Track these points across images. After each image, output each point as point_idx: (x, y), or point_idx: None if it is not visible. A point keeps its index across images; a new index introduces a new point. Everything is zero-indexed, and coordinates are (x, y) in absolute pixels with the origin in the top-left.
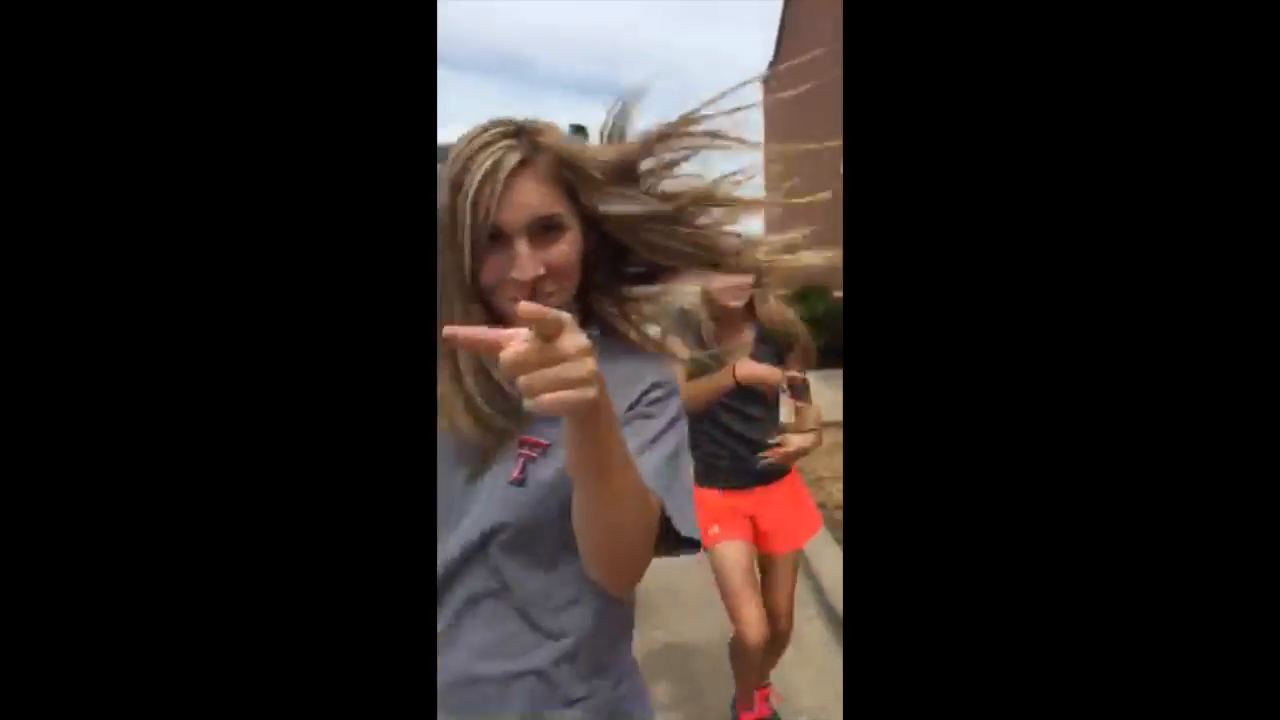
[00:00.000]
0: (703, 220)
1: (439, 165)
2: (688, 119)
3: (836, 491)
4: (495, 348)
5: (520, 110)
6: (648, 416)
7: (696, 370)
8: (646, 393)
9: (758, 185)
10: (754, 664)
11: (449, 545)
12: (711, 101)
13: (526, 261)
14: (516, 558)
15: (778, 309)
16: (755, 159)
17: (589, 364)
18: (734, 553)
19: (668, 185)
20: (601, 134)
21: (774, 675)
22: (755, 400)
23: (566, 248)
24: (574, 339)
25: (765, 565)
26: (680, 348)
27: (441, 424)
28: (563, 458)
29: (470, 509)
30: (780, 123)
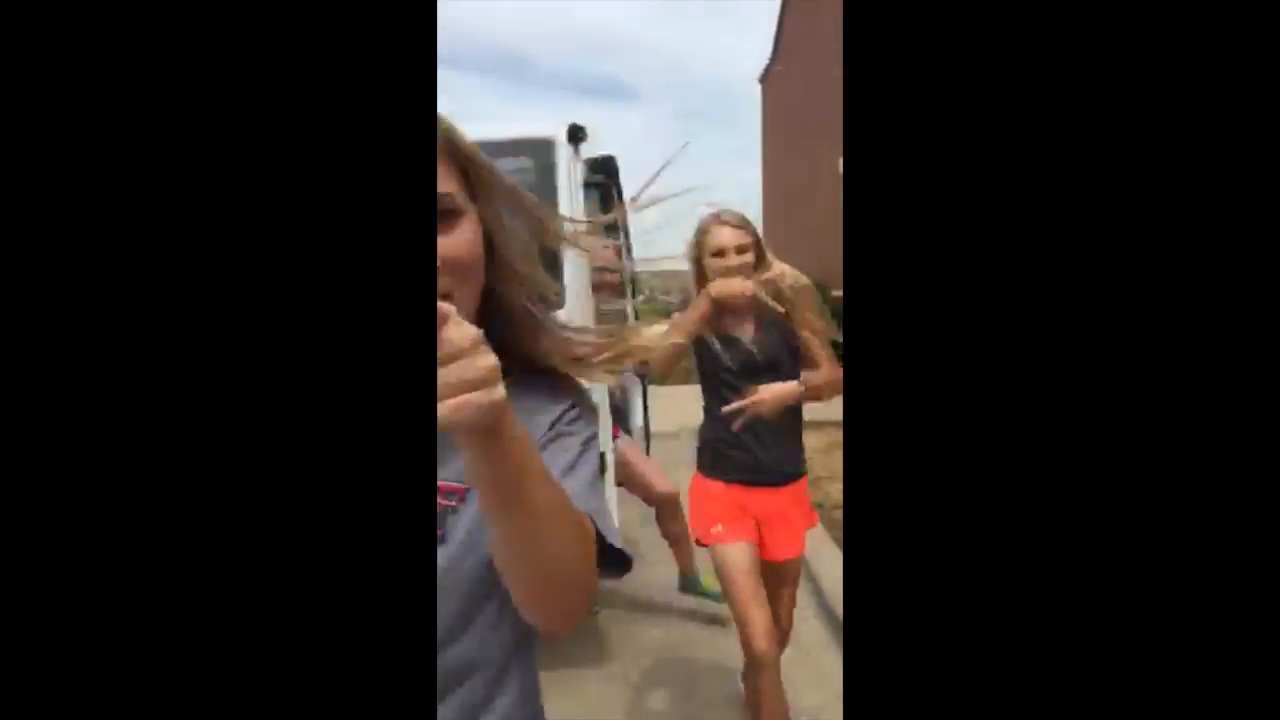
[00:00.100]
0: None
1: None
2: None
3: (835, 491)
4: None
5: (519, 110)
6: (568, 435)
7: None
8: (567, 410)
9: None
10: (772, 683)
11: None
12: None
13: None
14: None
15: (776, 273)
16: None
17: (487, 359)
18: (739, 556)
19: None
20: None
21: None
22: (770, 383)
23: (461, 238)
24: (460, 331)
25: (766, 573)
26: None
27: None
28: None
29: None
30: (778, 121)
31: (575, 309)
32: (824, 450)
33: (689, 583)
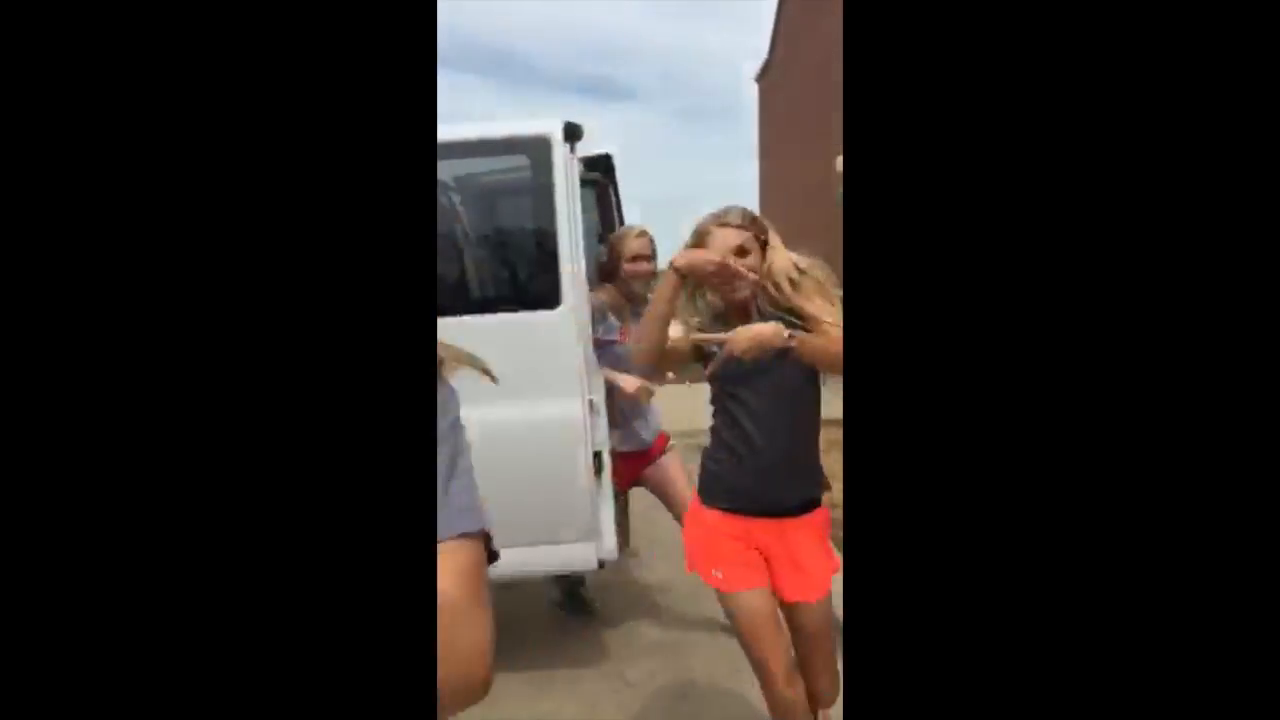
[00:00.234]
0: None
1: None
2: None
3: (834, 491)
4: None
5: (515, 108)
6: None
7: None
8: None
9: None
10: None
11: None
12: None
13: None
14: None
15: (780, 261)
16: None
17: None
18: (745, 604)
19: None
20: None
21: None
22: (770, 390)
23: None
24: None
25: (790, 618)
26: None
27: None
28: None
29: None
30: (775, 120)
31: (570, 308)
32: (823, 450)
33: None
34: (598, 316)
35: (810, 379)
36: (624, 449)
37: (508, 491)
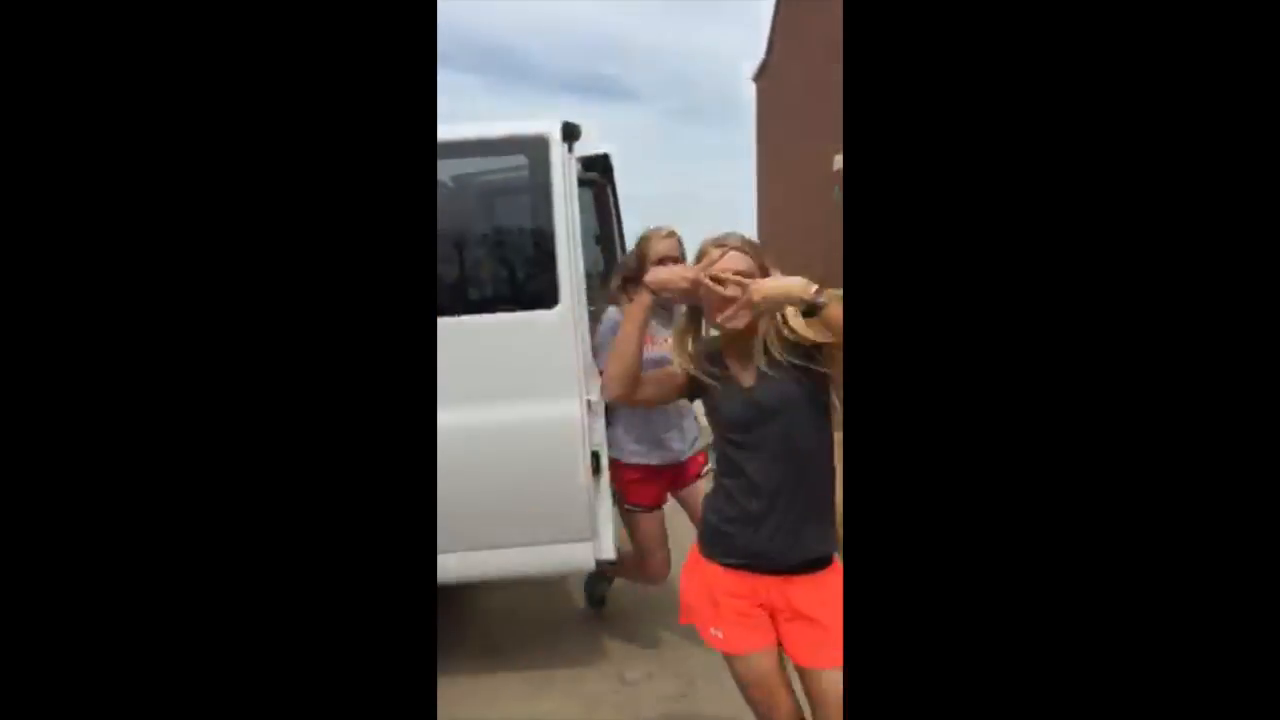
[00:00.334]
0: None
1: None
2: None
3: None
4: None
5: (513, 108)
6: None
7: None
8: None
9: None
10: None
11: None
12: None
13: None
14: None
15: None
16: None
17: None
18: (754, 668)
19: None
20: None
21: None
22: (773, 436)
23: None
24: None
25: (808, 685)
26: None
27: None
28: None
29: None
30: (773, 119)
31: (568, 307)
32: None
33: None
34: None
35: (822, 422)
36: (654, 462)
37: (505, 492)
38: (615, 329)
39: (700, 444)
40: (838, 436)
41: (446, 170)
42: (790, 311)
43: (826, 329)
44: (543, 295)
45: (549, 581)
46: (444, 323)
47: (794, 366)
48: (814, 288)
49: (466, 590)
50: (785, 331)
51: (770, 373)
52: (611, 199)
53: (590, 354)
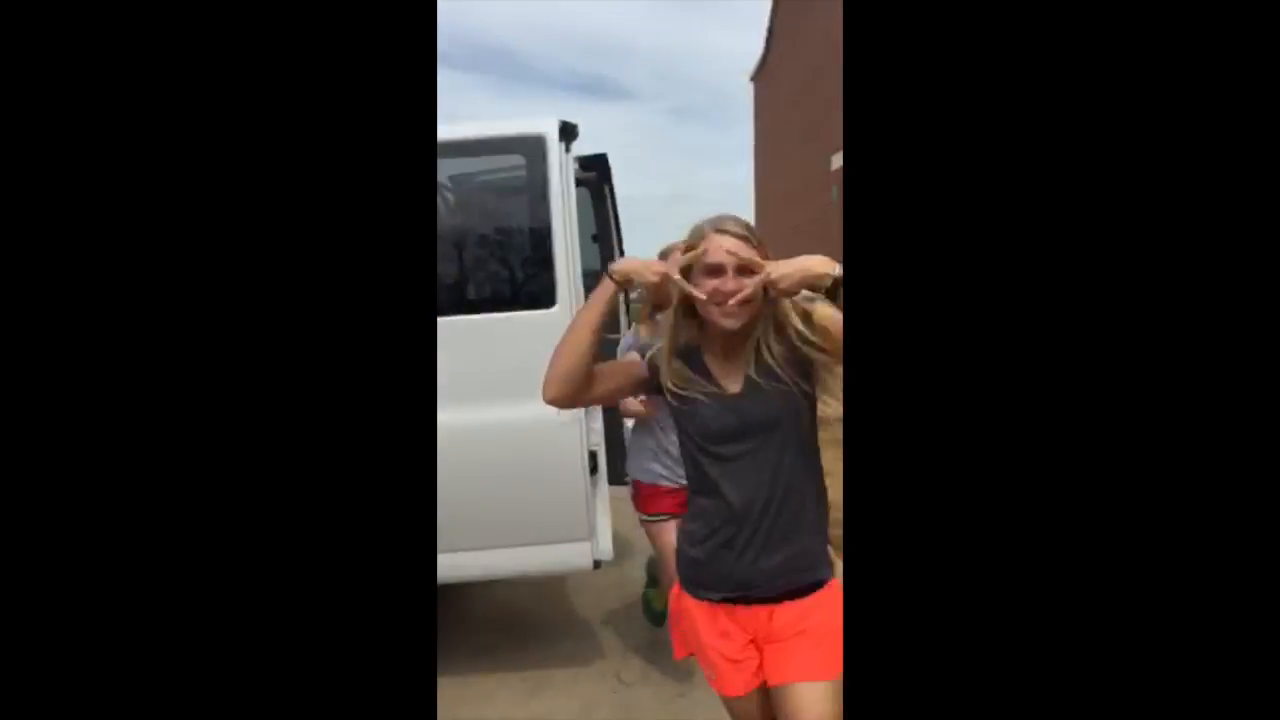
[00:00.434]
0: None
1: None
2: None
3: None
4: None
5: (512, 108)
6: None
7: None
8: None
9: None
10: None
11: None
12: None
13: None
14: None
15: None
16: None
17: None
18: (742, 712)
19: None
20: None
21: None
22: (750, 453)
23: None
24: None
25: (786, 705)
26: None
27: None
28: None
29: None
30: (770, 119)
31: (565, 307)
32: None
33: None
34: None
35: (812, 441)
36: (667, 484)
37: (503, 492)
38: (633, 347)
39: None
40: (836, 453)
41: (444, 170)
42: (794, 315)
43: (830, 332)
44: (540, 295)
45: (547, 582)
46: (442, 322)
47: (786, 377)
48: (838, 265)
49: (464, 590)
50: (790, 332)
51: (760, 381)
52: (609, 198)
53: None
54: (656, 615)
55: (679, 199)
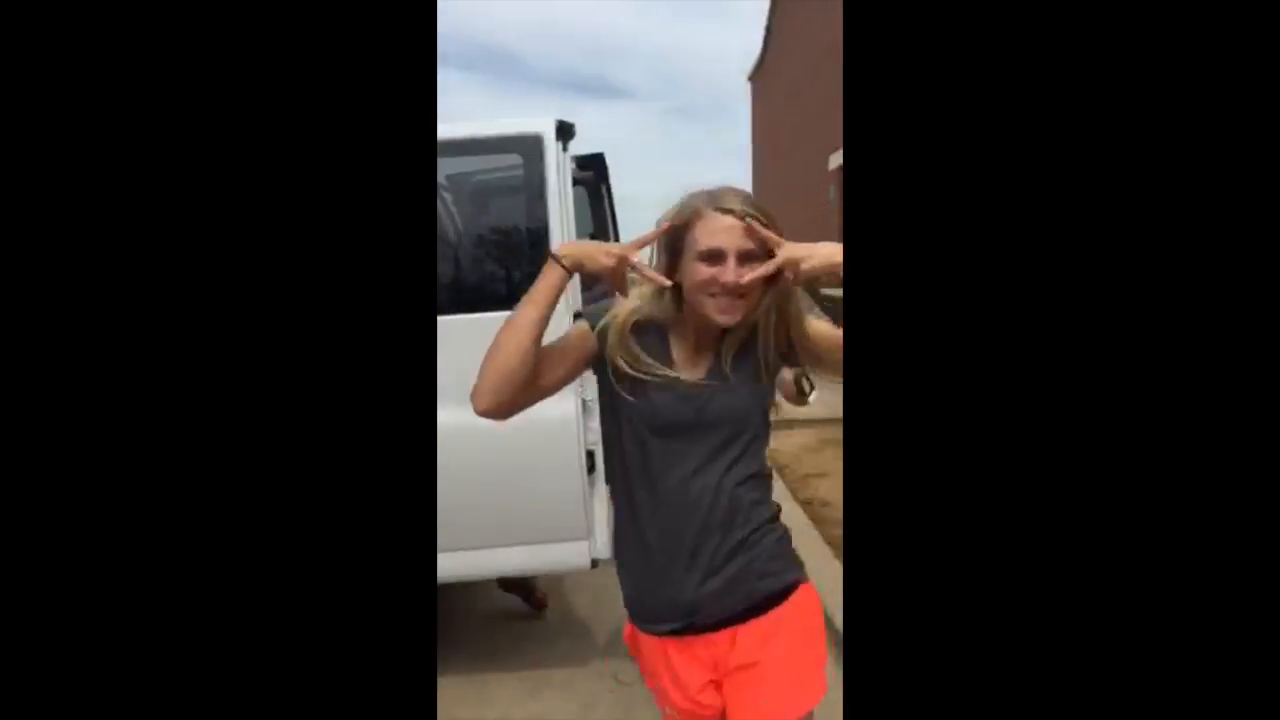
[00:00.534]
0: None
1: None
2: None
3: (824, 487)
4: None
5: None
6: None
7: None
8: None
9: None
10: None
11: None
12: None
13: None
14: None
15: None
16: None
17: None
18: None
19: None
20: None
21: None
22: (698, 451)
23: None
24: None
25: None
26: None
27: None
28: None
29: None
30: (768, 118)
31: (562, 302)
32: (814, 448)
33: None
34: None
35: (763, 447)
36: None
37: (500, 491)
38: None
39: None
40: (836, 452)
41: (441, 169)
42: (799, 318)
43: (831, 344)
44: None
45: (545, 581)
46: (439, 322)
47: (762, 374)
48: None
49: (462, 590)
50: (794, 332)
51: (729, 373)
52: (606, 198)
53: None
54: None
55: (677, 199)
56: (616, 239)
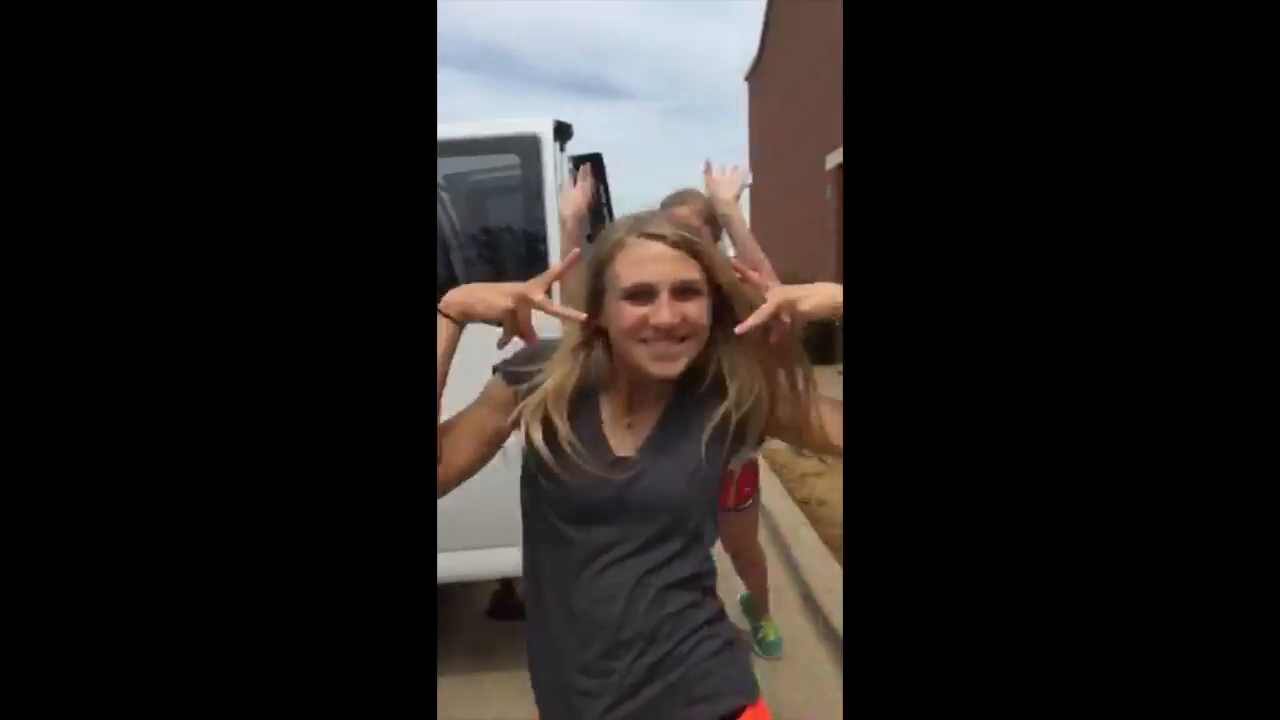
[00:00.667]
0: None
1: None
2: None
3: (821, 486)
4: None
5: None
6: None
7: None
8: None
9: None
10: None
11: None
12: None
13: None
14: None
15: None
16: None
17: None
18: None
19: None
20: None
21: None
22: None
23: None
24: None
25: None
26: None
27: None
28: None
29: None
30: (765, 118)
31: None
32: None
33: (752, 619)
34: None
35: (708, 495)
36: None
37: (497, 491)
38: None
39: (746, 454)
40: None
41: (439, 169)
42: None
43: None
44: None
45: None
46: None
47: (715, 456)
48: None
49: (461, 590)
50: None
51: (669, 444)
52: (604, 198)
53: None
54: (769, 645)
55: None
56: None
